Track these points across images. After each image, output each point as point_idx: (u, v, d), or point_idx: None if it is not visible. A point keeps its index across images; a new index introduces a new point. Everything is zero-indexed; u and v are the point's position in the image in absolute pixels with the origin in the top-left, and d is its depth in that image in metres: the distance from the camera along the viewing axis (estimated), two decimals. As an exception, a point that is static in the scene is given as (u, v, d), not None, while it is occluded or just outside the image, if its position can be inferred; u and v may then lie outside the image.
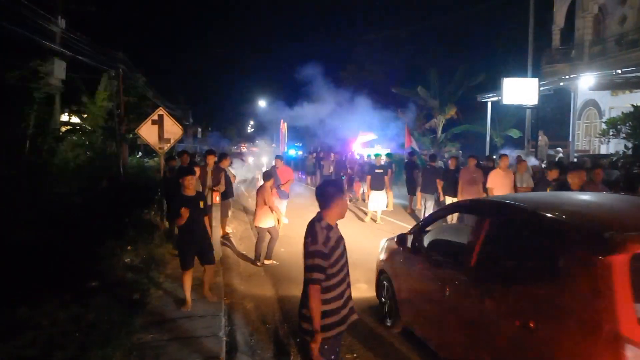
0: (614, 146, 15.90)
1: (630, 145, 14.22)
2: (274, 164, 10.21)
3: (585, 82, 17.08)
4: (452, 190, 10.05)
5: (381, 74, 26.49)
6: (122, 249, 7.07)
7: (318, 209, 3.11)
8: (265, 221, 7.53)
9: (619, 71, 16.63)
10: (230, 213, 9.57)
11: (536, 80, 15.46)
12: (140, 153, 21.68)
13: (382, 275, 5.29)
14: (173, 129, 8.55)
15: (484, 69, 22.99)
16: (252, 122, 64.40)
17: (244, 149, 55.06)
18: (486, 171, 9.49)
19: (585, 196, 3.98)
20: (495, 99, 18.57)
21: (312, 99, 25.82)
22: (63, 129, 13.44)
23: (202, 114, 41.86)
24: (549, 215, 3.17)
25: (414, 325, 4.61)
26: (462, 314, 3.60)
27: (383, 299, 5.24)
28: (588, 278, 2.62)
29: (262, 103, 45.81)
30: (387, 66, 27.55)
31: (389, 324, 5.05)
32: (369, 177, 11.37)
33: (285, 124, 31.08)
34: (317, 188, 3.16)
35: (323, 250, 2.93)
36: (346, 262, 3.13)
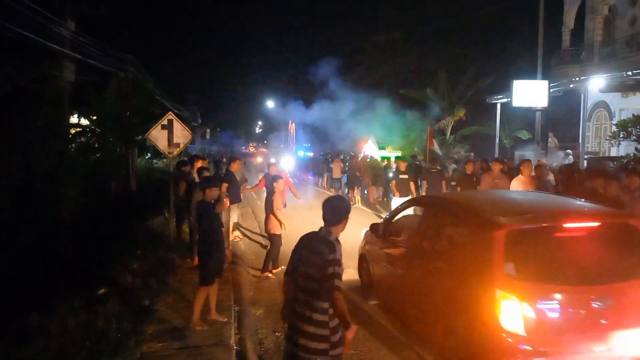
0: (624, 148, 15.73)
1: (641, 147, 14.08)
2: (268, 170, 9.45)
3: (595, 84, 16.92)
4: None
5: (391, 75, 26.40)
6: (132, 253, 7.10)
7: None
8: (278, 226, 7.34)
9: (630, 72, 16.46)
10: (237, 217, 9.56)
11: (546, 82, 15.34)
12: (149, 154, 21.81)
13: (362, 259, 6.41)
14: (183, 134, 8.56)
15: (494, 70, 22.84)
16: (260, 123, 64.54)
17: (252, 149, 55.18)
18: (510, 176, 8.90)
19: (510, 194, 5.97)
20: (504, 100, 18.43)
21: (321, 101, 25.85)
22: (72, 131, 13.54)
23: (210, 114, 42.08)
24: (464, 205, 4.70)
25: (384, 298, 5.78)
26: (408, 281, 4.90)
27: (362, 278, 6.40)
28: (480, 246, 3.86)
29: (270, 104, 45.90)
30: (397, 67, 27.45)
31: (367, 298, 6.09)
32: (393, 182, 11.18)
33: (294, 124, 31.12)
34: (328, 204, 3.16)
35: (340, 259, 3.00)
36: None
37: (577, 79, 18.05)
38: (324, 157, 23.21)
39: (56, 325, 4.62)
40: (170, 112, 8.68)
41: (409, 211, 6.27)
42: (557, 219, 4.05)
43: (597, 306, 3.53)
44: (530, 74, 17.09)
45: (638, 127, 14.32)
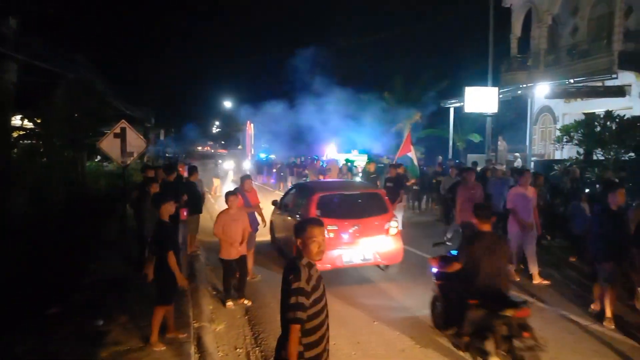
0: (567, 152, 16.63)
1: (582, 151, 14.94)
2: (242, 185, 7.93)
3: (541, 91, 17.83)
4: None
5: (349, 79, 26.69)
6: (84, 267, 6.86)
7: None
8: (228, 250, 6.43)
9: (572, 81, 17.45)
10: (197, 229, 9.35)
11: (496, 89, 15.99)
12: (99, 157, 21.00)
13: (271, 225, 9.55)
14: (136, 142, 8.34)
15: (448, 75, 23.59)
16: (217, 123, 63.31)
17: (207, 149, 54.07)
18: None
19: (335, 182, 10.92)
20: (458, 104, 19.09)
21: (280, 102, 25.76)
22: (15, 134, 12.85)
23: (166, 114, 40.82)
24: (309, 185, 9.20)
25: (277, 245, 9.28)
26: (284, 231, 8.54)
27: (271, 237, 9.71)
28: (307, 203, 7.60)
29: (228, 103, 45.23)
30: (355, 71, 27.78)
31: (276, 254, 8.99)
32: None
33: (252, 125, 30.76)
34: (297, 224, 3.12)
35: (306, 288, 2.86)
36: (326, 304, 3.07)
37: (524, 85, 18.96)
38: (294, 162, 22.50)
39: (2, 353, 4.41)
40: (123, 121, 8.42)
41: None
42: (340, 190, 8.52)
43: (354, 228, 7.42)
44: (482, 78, 17.78)
45: (579, 131, 15.18)
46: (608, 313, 5.77)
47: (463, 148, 23.52)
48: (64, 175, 13.07)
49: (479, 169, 13.84)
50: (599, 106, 16.65)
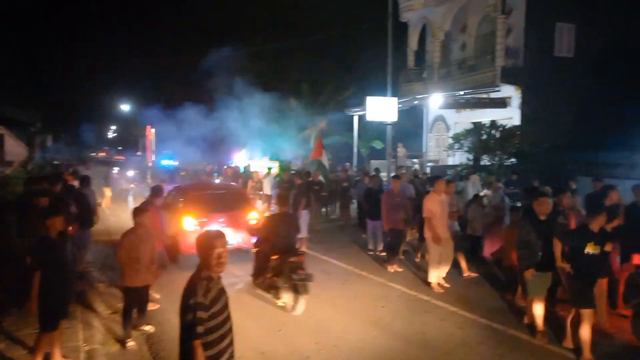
0: (459, 157, 18.03)
1: (471, 157, 16.33)
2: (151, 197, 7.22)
3: (435, 101, 19.18)
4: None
5: (259, 85, 26.46)
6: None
7: None
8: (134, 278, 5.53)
9: (461, 92, 19.02)
10: (89, 243, 8.65)
11: (395, 99, 16.86)
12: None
13: None
14: (17, 150, 7.55)
15: (351, 84, 24.44)
16: (113, 127, 59.25)
17: (103, 155, 50.39)
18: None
19: (206, 183, 13.51)
20: (361, 113, 19.86)
21: (186, 107, 24.80)
22: None
23: (54, 117, 37.18)
24: (183, 187, 10.74)
25: None
26: (173, 223, 8.77)
27: None
28: (184, 201, 9.31)
29: (125, 106, 42.59)
30: (265, 77, 27.59)
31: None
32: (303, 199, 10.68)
33: (154, 130, 29.20)
34: (196, 238, 3.05)
35: (204, 302, 2.83)
36: (229, 318, 3.04)
37: (420, 96, 20.27)
38: (205, 169, 21.39)
39: None
40: (0, 126, 7.58)
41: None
42: (210, 190, 10.49)
43: (221, 220, 8.83)
44: (383, 89, 18.67)
45: (468, 139, 16.58)
46: (539, 326, 5.64)
47: (367, 154, 24.49)
48: None
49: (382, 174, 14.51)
50: (485, 116, 18.32)
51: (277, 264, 6.52)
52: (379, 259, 9.71)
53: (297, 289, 6.29)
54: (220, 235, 3.06)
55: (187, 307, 2.82)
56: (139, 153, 32.36)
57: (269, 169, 17.13)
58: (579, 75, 17.24)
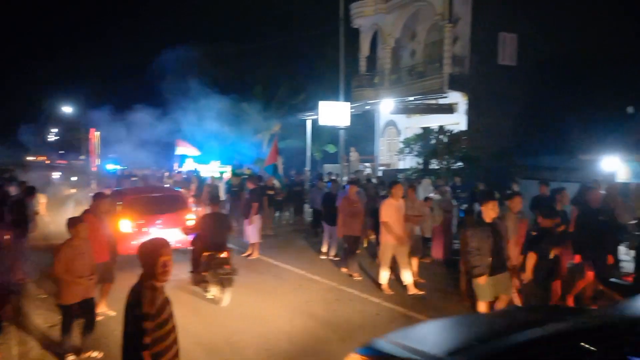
0: (409, 161, 18.46)
1: (421, 161, 16.76)
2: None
3: (386, 107, 19.56)
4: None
5: (212, 87, 25.98)
6: None
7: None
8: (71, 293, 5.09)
9: (411, 98, 19.49)
10: (26, 255, 8.11)
11: (348, 104, 17.07)
12: None
13: None
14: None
15: (305, 88, 24.49)
16: (55, 130, 56.17)
17: (43, 159, 47.62)
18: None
19: (144, 187, 14.21)
20: (314, 117, 19.92)
21: (133, 109, 23.97)
22: None
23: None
24: (121, 191, 11.23)
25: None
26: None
27: None
28: (122, 204, 9.53)
29: (68, 108, 40.52)
30: (218, 80, 27.15)
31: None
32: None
33: (98, 133, 28.04)
34: (139, 247, 2.97)
35: (150, 312, 2.77)
36: (174, 329, 2.96)
37: (371, 101, 20.60)
38: (157, 174, 20.57)
39: None
40: None
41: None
42: (147, 193, 10.83)
43: (158, 222, 9.27)
44: (336, 93, 18.86)
45: (418, 144, 17.02)
46: None
47: (320, 158, 24.61)
48: None
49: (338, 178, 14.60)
50: (434, 121, 18.86)
51: (207, 260, 7.12)
52: (333, 263, 9.74)
53: (223, 283, 6.93)
54: (164, 243, 3.01)
55: (135, 318, 2.75)
56: (82, 157, 30.91)
57: (222, 173, 16.87)
58: (521, 83, 18.12)
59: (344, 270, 8.92)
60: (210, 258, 7.05)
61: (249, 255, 10.25)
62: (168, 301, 2.97)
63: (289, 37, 24.29)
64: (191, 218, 9.43)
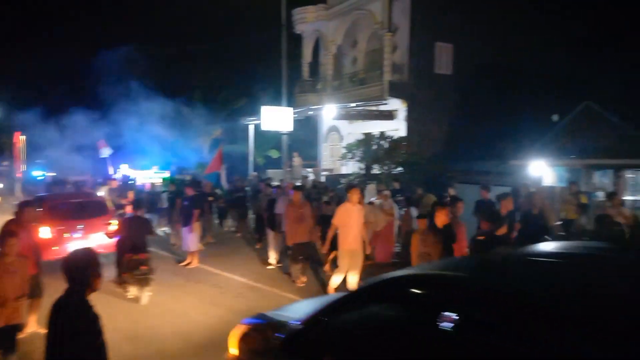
0: (352, 167, 18.70)
1: (363, 166, 17.03)
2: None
3: (328, 112, 19.74)
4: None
5: (151, 90, 25.01)
6: None
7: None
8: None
9: (353, 105, 19.80)
10: None
11: (291, 109, 17.05)
12: None
13: None
14: None
15: (248, 93, 24.20)
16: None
17: None
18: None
19: (66, 193, 13.62)
20: (257, 122, 19.73)
21: (64, 112, 22.61)
22: None
23: None
24: (42, 196, 11.14)
25: None
26: None
27: None
28: (43, 210, 9.33)
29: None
30: (154, 82, 26.21)
31: None
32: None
33: (24, 137, 26.16)
34: (67, 259, 2.82)
35: (82, 325, 2.68)
36: (104, 344, 2.85)
37: (314, 107, 20.72)
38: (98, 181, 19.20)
39: None
40: None
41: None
42: (69, 199, 10.86)
43: (80, 227, 9.45)
44: (279, 98, 18.79)
45: (360, 149, 17.29)
46: None
47: (263, 163, 24.40)
48: None
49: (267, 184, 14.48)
50: (375, 127, 19.26)
51: (126, 262, 7.54)
52: (277, 270, 9.62)
53: (140, 283, 7.36)
54: (93, 253, 2.93)
55: (69, 335, 2.64)
56: (5, 163, 28.73)
57: (164, 179, 16.35)
58: (456, 91, 18.94)
59: (288, 276, 8.82)
60: (129, 260, 7.47)
61: (188, 264, 9.91)
62: (97, 315, 2.86)
63: (230, 41, 23.96)
64: (113, 223, 9.30)
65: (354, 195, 7.43)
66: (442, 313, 2.51)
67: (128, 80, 22.58)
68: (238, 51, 25.87)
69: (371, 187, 13.33)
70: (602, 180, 14.41)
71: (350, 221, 7.28)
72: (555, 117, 15.80)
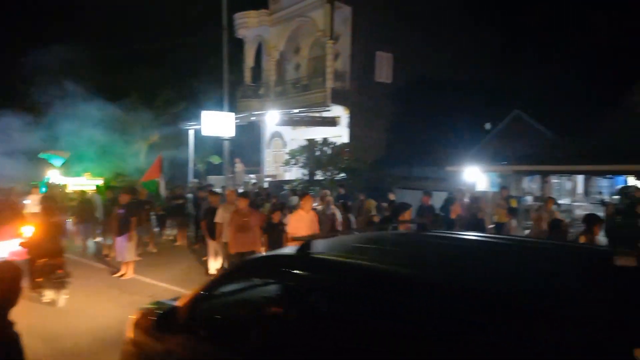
0: (295, 173, 18.69)
1: (306, 172, 17.07)
2: None
3: (271, 118, 19.65)
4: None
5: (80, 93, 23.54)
6: None
7: None
8: None
9: (296, 111, 19.83)
10: None
11: (232, 114, 16.77)
12: None
13: None
14: None
15: (186, 97, 23.53)
16: None
17: None
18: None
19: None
20: (197, 127, 19.23)
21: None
22: None
23: None
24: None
25: None
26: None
27: None
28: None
29: None
30: (87, 84, 24.76)
31: None
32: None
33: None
34: None
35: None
36: None
37: (257, 112, 20.55)
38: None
39: None
40: None
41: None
42: None
43: None
44: (220, 103, 18.40)
45: (303, 155, 17.33)
46: None
47: (204, 169, 23.81)
48: None
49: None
50: (318, 133, 19.39)
51: (41, 267, 7.48)
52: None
53: (57, 286, 7.40)
54: (16, 267, 2.67)
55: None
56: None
57: (98, 187, 15.46)
58: (395, 99, 19.49)
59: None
60: (44, 264, 7.47)
61: (122, 275, 9.41)
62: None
63: (171, 43, 23.21)
64: (27, 229, 8.81)
65: (307, 203, 7.40)
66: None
67: (62, 81, 21.28)
68: (179, 54, 25.13)
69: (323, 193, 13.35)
70: (530, 185, 15.32)
71: (304, 229, 7.15)
72: (488, 125, 16.65)
